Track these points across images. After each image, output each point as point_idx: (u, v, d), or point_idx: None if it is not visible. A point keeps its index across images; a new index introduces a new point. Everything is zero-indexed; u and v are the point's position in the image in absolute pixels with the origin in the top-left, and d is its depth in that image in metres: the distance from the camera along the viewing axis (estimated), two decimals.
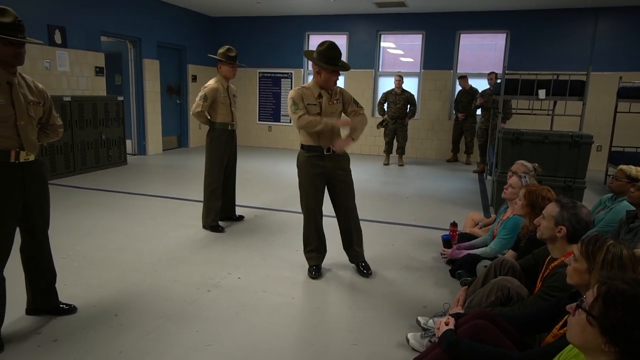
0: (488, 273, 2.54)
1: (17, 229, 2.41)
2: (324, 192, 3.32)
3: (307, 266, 3.40)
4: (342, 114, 3.33)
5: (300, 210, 3.40)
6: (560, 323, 1.74)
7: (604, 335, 1.15)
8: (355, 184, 3.39)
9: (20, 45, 2.22)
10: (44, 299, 2.62)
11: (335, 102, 3.22)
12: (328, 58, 3.05)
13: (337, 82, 3.21)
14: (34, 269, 2.55)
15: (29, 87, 2.38)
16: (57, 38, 6.69)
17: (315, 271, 3.34)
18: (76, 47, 7.02)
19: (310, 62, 3.18)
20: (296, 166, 3.31)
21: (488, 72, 8.03)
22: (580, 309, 1.22)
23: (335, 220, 3.44)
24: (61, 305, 2.67)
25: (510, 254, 2.89)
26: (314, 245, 3.38)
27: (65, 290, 2.83)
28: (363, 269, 3.37)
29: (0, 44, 2.16)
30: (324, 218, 3.43)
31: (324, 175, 3.24)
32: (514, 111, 7.42)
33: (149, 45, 8.58)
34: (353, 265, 3.46)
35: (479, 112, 8.21)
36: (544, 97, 5.34)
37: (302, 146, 3.27)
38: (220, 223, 4.41)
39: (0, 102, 2.20)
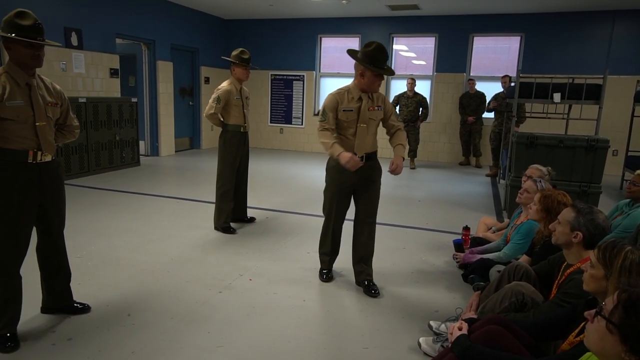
0: (502, 278, 2.52)
1: (34, 229, 2.45)
2: (349, 202, 3.20)
3: (318, 268, 3.40)
4: (381, 123, 3.16)
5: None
6: (577, 330, 1.71)
7: (624, 343, 1.13)
8: None
9: (39, 47, 2.25)
10: (59, 298, 2.65)
11: (376, 108, 3.04)
12: (374, 60, 2.85)
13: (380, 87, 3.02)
14: (49, 268, 2.59)
15: (47, 89, 2.42)
16: (74, 40, 6.79)
17: (326, 274, 3.31)
18: (92, 49, 7.12)
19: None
20: (325, 169, 3.17)
21: (502, 75, 7.97)
22: (599, 316, 1.20)
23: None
24: (75, 305, 2.70)
25: (524, 259, 2.86)
26: (327, 249, 3.32)
27: (80, 290, 2.86)
28: (371, 289, 3.14)
29: (20, 46, 2.20)
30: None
31: (353, 184, 3.09)
32: (527, 115, 7.34)
33: (163, 48, 8.67)
34: (359, 283, 3.23)
35: (491, 115, 8.16)
36: (559, 100, 5.29)
37: None
38: (232, 225, 4.42)
39: (20, 103, 2.24)
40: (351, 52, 3.01)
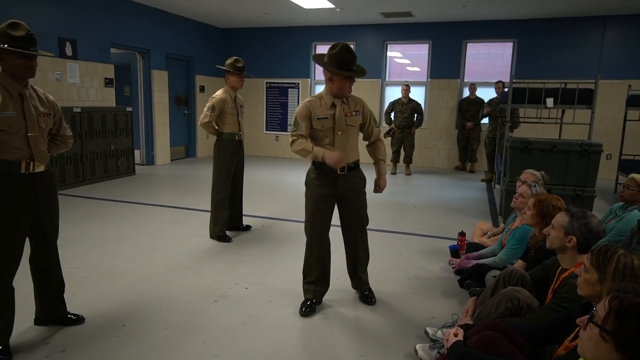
0: (497, 283, 2.52)
1: (27, 239, 2.43)
2: (331, 216, 2.94)
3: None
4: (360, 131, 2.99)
5: None
6: (572, 335, 1.71)
7: (620, 351, 1.12)
8: None
9: (32, 58, 2.25)
10: (53, 309, 2.63)
11: (354, 113, 2.83)
12: (341, 62, 2.67)
13: (352, 89, 2.83)
14: (43, 279, 2.57)
15: (40, 99, 2.41)
16: (68, 50, 6.79)
17: (308, 307, 2.90)
18: (86, 59, 7.12)
19: (321, 69, 2.80)
20: (304, 183, 2.93)
21: (495, 80, 8.02)
22: (592, 323, 1.19)
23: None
24: (69, 316, 2.68)
25: (519, 264, 2.86)
26: (314, 277, 2.97)
27: (74, 301, 2.84)
28: (367, 297, 3.07)
29: (13, 57, 2.20)
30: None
31: (334, 197, 2.87)
32: (521, 120, 7.39)
33: (158, 57, 8.68)
34: (356, 291, 3.18)
35: (485, 120, 8.22)
36: (552, 105, 5.32)
37: (314, 162, 2.88)
38: (228, 233, 4.41)
39: (12, 113, 2.23)
40: (316, 58, 2.82)
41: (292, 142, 2.81)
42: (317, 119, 2.77)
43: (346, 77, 2.71)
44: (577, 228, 2.12)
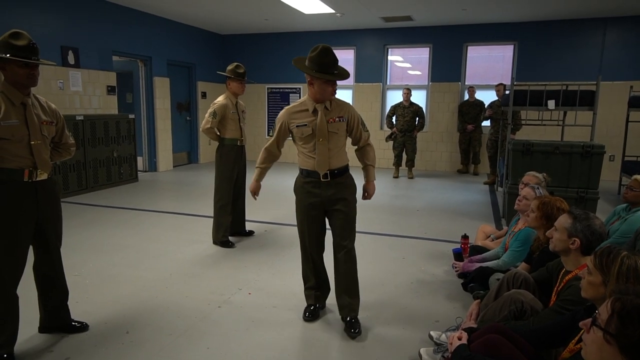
0: (501, 286, 2.51)
1: (30, 247, 2.44)
2: (322, 225, 2.83)
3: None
4: (348, 137, 2.84)
5: None
6: (577, 338, 1.70)
7: (624, 354, 1.11)
8: None
9: (34, 67, 2.27)
10: (56, 317, 2.63)
11: (337, 119, 2.67)
12: (320, 65, 2.53)
13: (335, 93, 2.68)
14: (46, 287, 2.57)
15: (42, 108, 2.43)
16: (71, 59, 6.83)
17: (311, 313, 2.88)
18: (89, 67, 7.16)
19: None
20: (293, 191, 2.86)
21: (496, 83, 8.03)
22: (595, 326, 1.18)
23: None
24: (73, 323, 2.68)
25: (523, 267, 2.85)
26: (313, 283, 2.93)
27: (77, 308, 2.85)
28: (350, 326, 2.69)
29: (15, 66, 2.22)
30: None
31: (321, 204, 2.73)
32: (523, 122, 7.38)
33: (160, 64, 8.72)
34: (342, 321, 2.80)
35: (487, 123, 8.22)
36: (553, 107, 5.32)
37: (300, 170, 2.81)
38: (231, 238, 4.41)
39: (15, 122, 2.25)
40: (297, 62, 2.70)
41: (264, 148, 2.88)
42: (297, 126, 2.67)
43: (326, 81, 2.57)
44: (580, 230, 2.12)
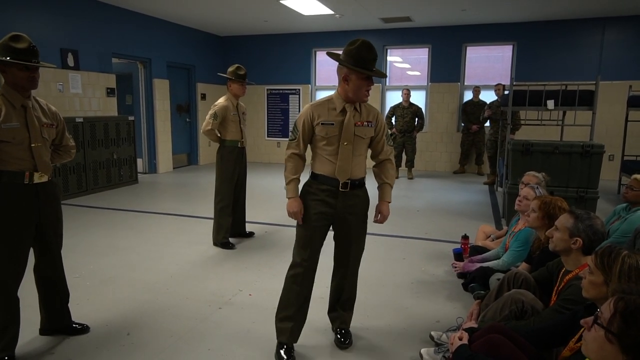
0: (501, 286, 2.51)
1: (31, 249, 2.44)
2: (324, 239, 2.51)
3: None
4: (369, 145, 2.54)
5: None
6: (577, 336, 1.70)
7: (625, 353, 1.12)
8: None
9: (34, 69, 2.28)
10: (57, 319, 2.63)
11: (366, 124, 2.41)
12: (360, 59, 2.25)
13: (369, 95, 2.42)
14: (47, 289, 2.57)
15: (43, 110, 2.43)
16: (70, 61, 6.83)
17: (286, 352, 2.45)
18: (88, 69, 7.17)
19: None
20: (299, 195, 2.49)
21: (495, 83, 8.04)
22: (597, 324, 1.18)
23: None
24: (74, 325, 2.68)
25: (523, 267, 2.85)
26: (292, 311, 2.47)
27: (78, 310, 2.85)
28: (341, 336, 2.61)
29: (15, 69, 2.22)
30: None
31: (332, 216, 2.45)
32: (522, 122, 7.39)
33: (159, 66, 8.73)
34: (333, 332, 2.69)
35: (487, 123, 8.22)
36: (552, 107, 5.32)
37: (313, 175, 2.47)
38: (231, 240, 4.42)
39: (15, 125, 2.25)
40: (332, 54, 2.50)
41: (288, 154, 2.45)
42: (322, 124, 2.37)
43: (364, 77, 2.30)
44: (582, 230, 2.12)
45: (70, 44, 6.84)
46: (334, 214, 2.44)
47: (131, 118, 7.72)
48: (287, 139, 2.51)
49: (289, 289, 2.49)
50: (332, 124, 2.37)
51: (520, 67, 8.75)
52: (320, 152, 2.43)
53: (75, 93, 6.96)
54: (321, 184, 2.42)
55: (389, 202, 2.58)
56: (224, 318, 2.91)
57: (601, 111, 7.02)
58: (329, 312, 2.74)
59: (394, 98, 9.44)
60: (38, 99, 2.45)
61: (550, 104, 5.30)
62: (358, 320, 2.90)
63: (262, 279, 3.59)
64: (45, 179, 2.39)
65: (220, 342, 2.61)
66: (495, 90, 7.87)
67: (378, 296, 3.27)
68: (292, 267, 2.50)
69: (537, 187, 3.28)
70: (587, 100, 5.29)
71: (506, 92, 6.35)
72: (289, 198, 2.42)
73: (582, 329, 1.40)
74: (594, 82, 5.32)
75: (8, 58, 2.19)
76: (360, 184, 2.48)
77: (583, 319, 1.28)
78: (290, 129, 2.48)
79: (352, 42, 2.29)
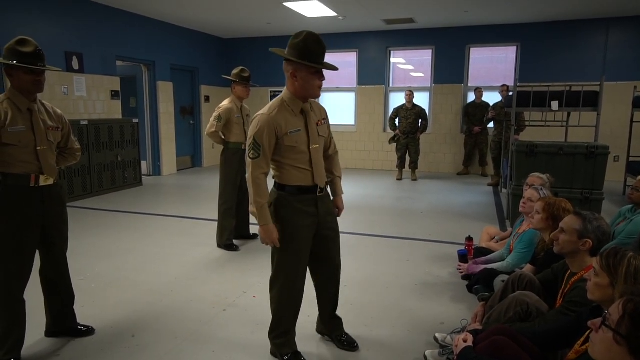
0: (506, 288, 2.50)
1: (37, 252, 2.46)
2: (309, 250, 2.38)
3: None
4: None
5: None
6: (582, 339, 1.69)
7: (634, 355, 1.11)
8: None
9: (40, 73, 2.29)
10: (63, 321, 2.65)
11: (322, 122, 2.31)
12: (307, 52, 2.08)
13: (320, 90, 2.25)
14: (53, 291, 2.59)
15: (49, 113, 2.45)
16: (75, 64, 6.87)
17: (298, 357, 2.40)
18: (93, 72, 7.20)
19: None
20: (276, 216, 2.26)
21: (499, 84, 8.02)
22: (604, 326, 1.18)
23: None
24: (79, 327, 2.69)
25: (528, 268, 2.84)
26: (286, 327, 2.42)
27: (83, 312, 2.86)
28: (349, 343, 2.58)
29: (21, 73, 2.24)
30: None
31: (315, 225, 2.30)
32: (527, 123, 7.37)
33: (163, 68, 8.77)
34: (333, 339, 2.63)
35: (491, 125, 8.21)
36: (557, 108, 5.30)
37: (283, 187, 2.26)
38: (235, 242, 4.42)
39: (21, 128, 2.27)
40: (276, 50, 2.27)
41: (256, 175, 2.17)
42: (290, 133, 2.17)
43: (315, 72, 2.13)
44: (592, 231, 2.11)
45: (75, 47, 6.88)
46: (317, 222, 2.31)
47: (135, 120, 7.75)
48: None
49: (279, 311, 2.41)
50: (299, 130, 2.20)
51: (524, 68, 8.73)
52: (289, 162, 2.23)
53: (79, 96, 6.99)
54: (298, 194, 2.25)
55: (342, 194, 2.55)
56: (228, 320, 2.92)
57: (606, 112, 6.98)
58: (324, 322, 2.64)
59: (397, 99, 9.43)
60: (44, 102, 2.47)
61: (555, 105, 5.28)
62: (362, 322, 2.91)
63: (265, 280, 3.55)
64: (50, 181, 2.40)
65: (225, 344, 2.62)
66: (500, 92, 7.85)
67: (382, 298, 3.26)
68: (277, 291, 2.38)
69: (542, 189, 3.27)
70: (591, 101, 5.26)
71: (510, 93, 6.33)
72: (263, 225, 2.19)
73: (588, 331, 1.39)
74: (599, 83, 5.30)
75: (14, 62, 2.21)
76: (327, 184, 2.42)
77: (590, 320, 1.27)
78: (248, 143, 2.20)
79: (298, 35, 2.12)
